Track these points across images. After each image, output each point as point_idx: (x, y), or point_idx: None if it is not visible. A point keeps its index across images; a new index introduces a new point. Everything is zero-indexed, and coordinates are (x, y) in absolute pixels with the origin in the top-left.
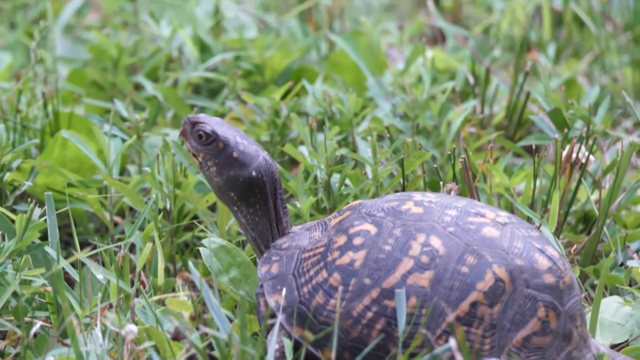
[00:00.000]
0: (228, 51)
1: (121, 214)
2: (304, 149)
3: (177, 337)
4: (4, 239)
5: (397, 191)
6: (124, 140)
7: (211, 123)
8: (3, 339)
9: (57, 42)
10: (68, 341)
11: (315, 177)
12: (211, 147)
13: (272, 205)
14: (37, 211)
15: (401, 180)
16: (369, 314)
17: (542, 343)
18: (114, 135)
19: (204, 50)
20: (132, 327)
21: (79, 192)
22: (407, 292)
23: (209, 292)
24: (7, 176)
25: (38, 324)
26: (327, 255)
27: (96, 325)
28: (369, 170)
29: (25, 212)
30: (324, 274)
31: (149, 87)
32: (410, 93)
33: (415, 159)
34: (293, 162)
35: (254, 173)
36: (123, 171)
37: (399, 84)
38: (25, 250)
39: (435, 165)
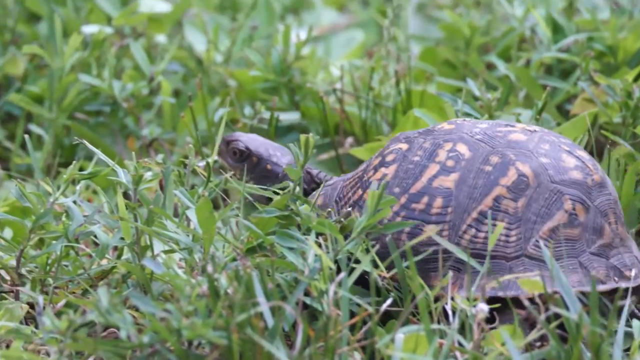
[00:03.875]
0: (581, 32)
1: None
2: None
3: (527, 317)
4: None
5: None
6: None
7: (244, 140)
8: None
9: (409, 20)
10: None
11: None
12: (246, 162)
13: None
14: None
15: None
16: (398, 219)
17: (571, 235)
18: (466, 113)
19: (557, 30)
20: (483, 306)
21: None
22: (433, 194)
23: (559, 271)
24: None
25: (388, 300)
26: (363, 177)
27: (446, 303)
28: None
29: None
30: (359, 192)
31: (501, 67)
32: None
33: None
34: None
35: (280, 175)
36: None
37: None
38: None
39: None
